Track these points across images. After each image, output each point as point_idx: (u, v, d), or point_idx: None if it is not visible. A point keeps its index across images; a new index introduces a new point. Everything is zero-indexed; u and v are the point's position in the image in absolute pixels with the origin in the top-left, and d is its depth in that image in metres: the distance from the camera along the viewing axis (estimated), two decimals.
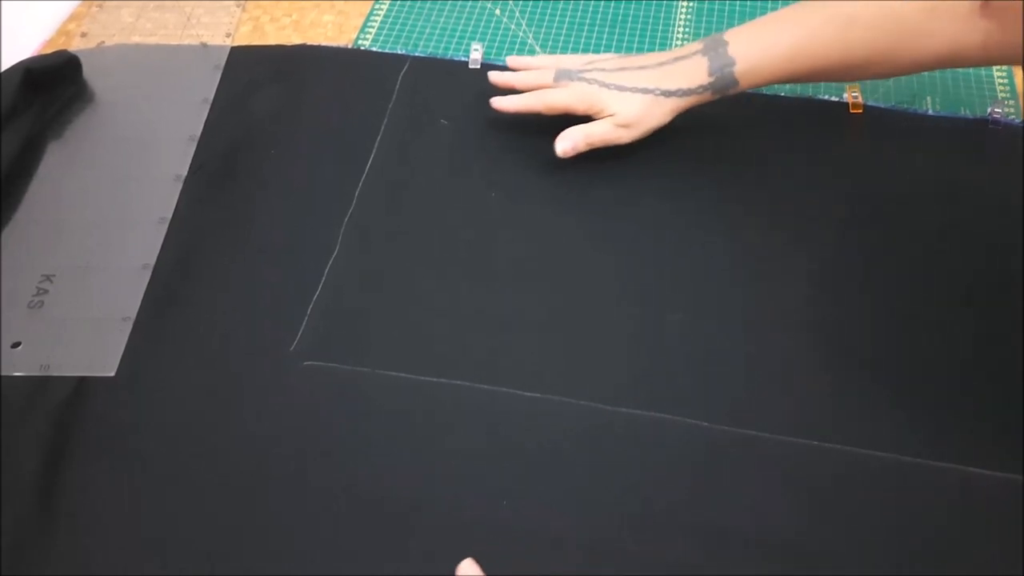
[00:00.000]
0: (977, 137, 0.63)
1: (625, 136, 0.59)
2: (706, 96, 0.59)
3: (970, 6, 0.52)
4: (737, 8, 0.74)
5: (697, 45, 0.59)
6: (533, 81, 0.63)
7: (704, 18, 0.73)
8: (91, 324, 0.55)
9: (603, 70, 0.60)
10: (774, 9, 0.73)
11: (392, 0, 0.76)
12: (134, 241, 0.59)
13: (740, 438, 0.49)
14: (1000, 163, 0.61)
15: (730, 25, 0.71)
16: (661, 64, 0.59)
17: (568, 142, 0.59)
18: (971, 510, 0.46)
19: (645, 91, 0.58)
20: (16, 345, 0.54)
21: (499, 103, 0.63)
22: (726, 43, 0.58)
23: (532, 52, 0.71)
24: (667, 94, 0.58)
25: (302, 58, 0.71)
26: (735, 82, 0.58)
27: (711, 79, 0.57)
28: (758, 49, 0.57)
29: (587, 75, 0.60)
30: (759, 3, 0.74)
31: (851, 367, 0.52)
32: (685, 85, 0.58)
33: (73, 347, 0.54)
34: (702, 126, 0.64)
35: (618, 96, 0.59)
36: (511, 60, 0.66)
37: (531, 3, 0.76)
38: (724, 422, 0.49)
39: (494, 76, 0.64)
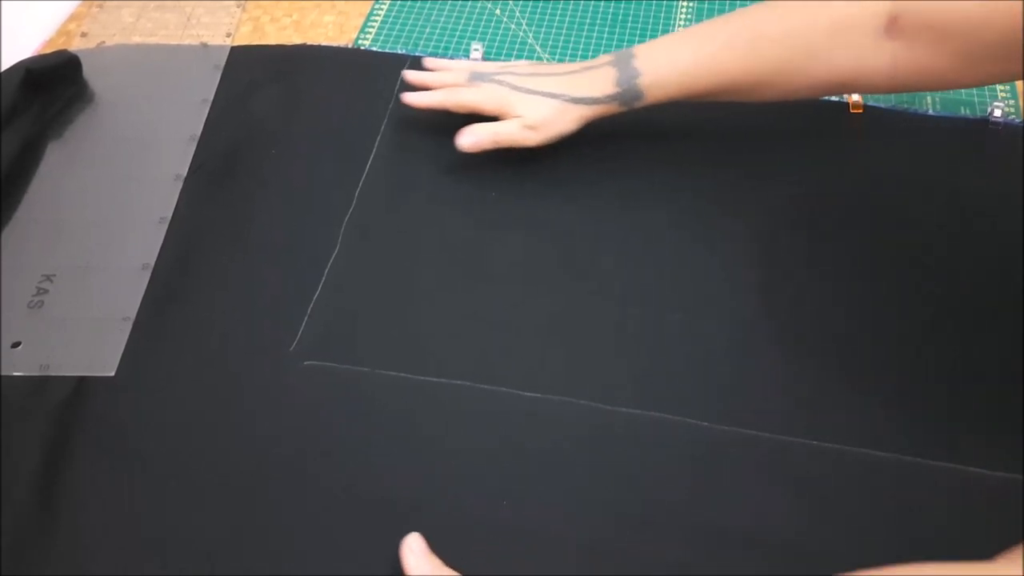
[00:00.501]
0: (977, 137, 0.63)
1: (532, 138, 0.60)
2: (613, 107, 0.59)
3: (877, 28, 0.53)
4: (737, 8, 0.74)
5: (609, 57, 0.60)
6: (448, 81, 0.63)
7: (704, 18, 0.73)
8: (91, 324, 0.55)
9: (515, 74, 0.61)
10: None
11: (392, 0, 0.77)
12: (134, 241, 0.59)
13: (740, 438, 0.49)
14: (1000, 163, 0.61)
15: None
16: (571, 72, 0.60)
17: (472, 137, 0.60)
18: (971, 510, 0.46)
19: (553, 96, 0.59)
20: (16, 345, 0.54)
21: (409, 98, 0.63)
22: (635, 56, 0.58)
23: (532, 52, 0.71)
24: (574, 101, 0.59)
25: (302, 58, 0.71)
26: (641, 94, 0.58)
27: (617, 90, 0.58)
28: (665, 63, 0.58)
29: (499, 78, 0.61)
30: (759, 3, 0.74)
31: (851, 367, 0.52)
32: (592, 94, 0.59)
33: (73, 347, 0.54)
34: (702, 126, 0.64)
35: (527, 99, 0.60)
36: (427, 61, 0.67)
37: (531, 3, 0.76)
38: (724, 422, 0.49)
39: (409, 75, 0.65)
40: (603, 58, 0.60)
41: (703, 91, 0.58)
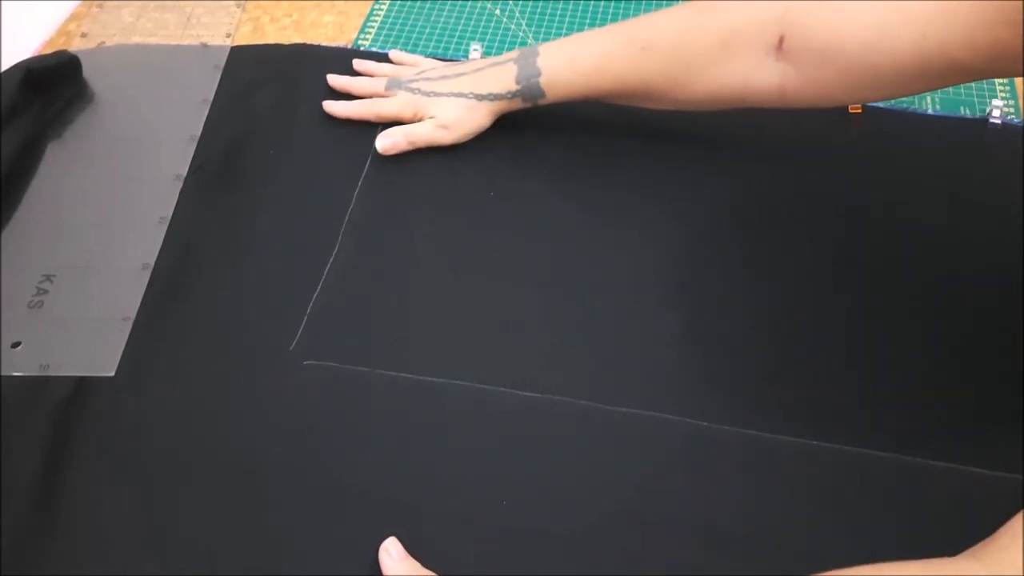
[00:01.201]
0: (977, 137, 0.63)
1: (446, 137, 0.62)
2: (516, 103, 0.61)
3: (766, 46, 0.53)
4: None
5: (515, 53, 0.61)
6: (367, 88, 0.66)
7: None
8: (91, 324, 0.55)
9: (428, 79, 0.64)
10: None
11: (392, 0, 0.77)
12: (134, 241, 0.59)
13: (739, 438, 0.49)
14: (1000, 163, 0.61)
15: None
16: (478, 70, 0.62)
17: (389, 140, 0.62)
18: (971, 510, 0.46)
19: (460, 95, 0.62)
20: (16, 345, 0.54)
21: (331, 108, 0.66)
22: (538, 54, 0.60)
23: None
24: (479, 98, 0.61)
25: (302, 58, 0.71)
26: (542, 92, 0.60)
27: (518, 87, 0.60)
28: (563, 63, 0.59)
29: (412, 84, 0.64)
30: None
31: (850, 367, 0.52)
32: (495, 90, 0.61)
33: (73, 347, 0.54)
34: (701, 126, 0.64)
35: (437, 102, 0.62)
36: (357, 64, 0.69)
37: (531, 3, 0.76)
38: (724, 422, 0.49)
39: (333, 80, 0.67)
40: (510, 54, 0.62)
41: (602, 93, 0.60)
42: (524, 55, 0.60)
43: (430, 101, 0.62)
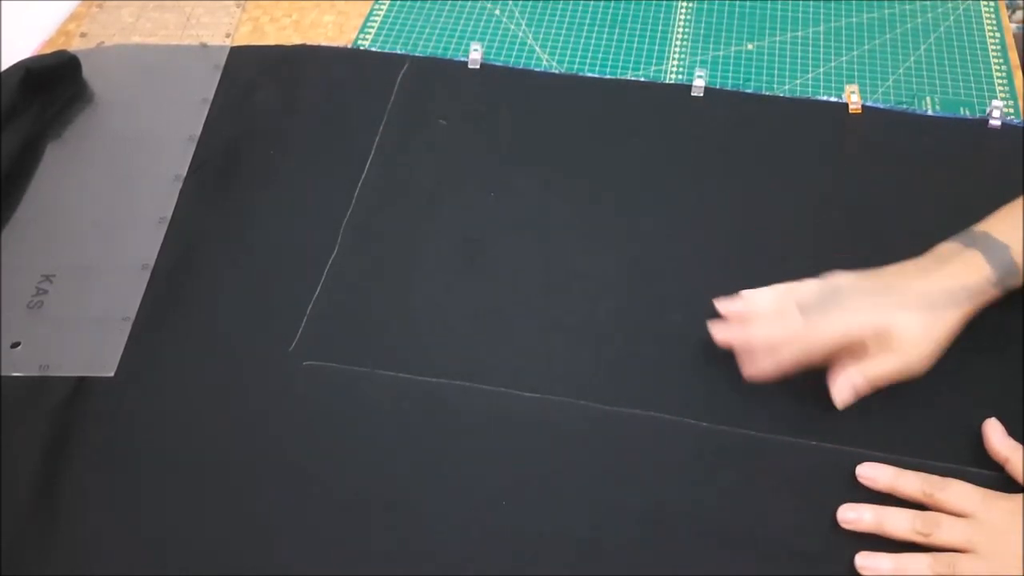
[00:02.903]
0: (976, 137, 0.63)
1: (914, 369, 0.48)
2: (992, 293, 0.49)
3: None
4: (736, 8, 0.74)
5: (953, 244, 0.50)
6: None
7: (704, 18, 0.73)
8: (91, 324, 0.55)
9: (862, 292, 0.49)
10: (775, 10, 0.74)
11: (392, 0, 0.77)
12: (134, 241, 0.59)
13: (740, 438, 0.49)
14: (1000, 163, 0.61)
15: (729, 26, 0.72)
16: (925, 271, 0.49)
17: (850, 394, 0.48)
18: None
19: (918, 309, 0.48)
20: (16, 345, 0.54)
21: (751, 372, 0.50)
22: (987, 233, 0.50)
23: (532, 52, 0.71)
24: (946, 305, 0.48)
25: (302, 58, 0.71)
26: (1016, 269, 0.49)
27: (995, 273, 0.48)
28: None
29: (839, 305, 0.48)
30: (759, 4, 0.74)
31: None
32: (967, 283, 0.48)
33: (73, 347, 0.54)
34: (702, 127, 0.64)
35: (893, 326, 0.47)
36: (721, 305, 0.52)
37: (531, 3, 0.76)
38: (724, 422, 0.49)
39: (721, 306, 0.52)
40: (945, 246, 0.51)
41: None
42: (967, 241, 0.50)
43: (885, 326, 0.47)
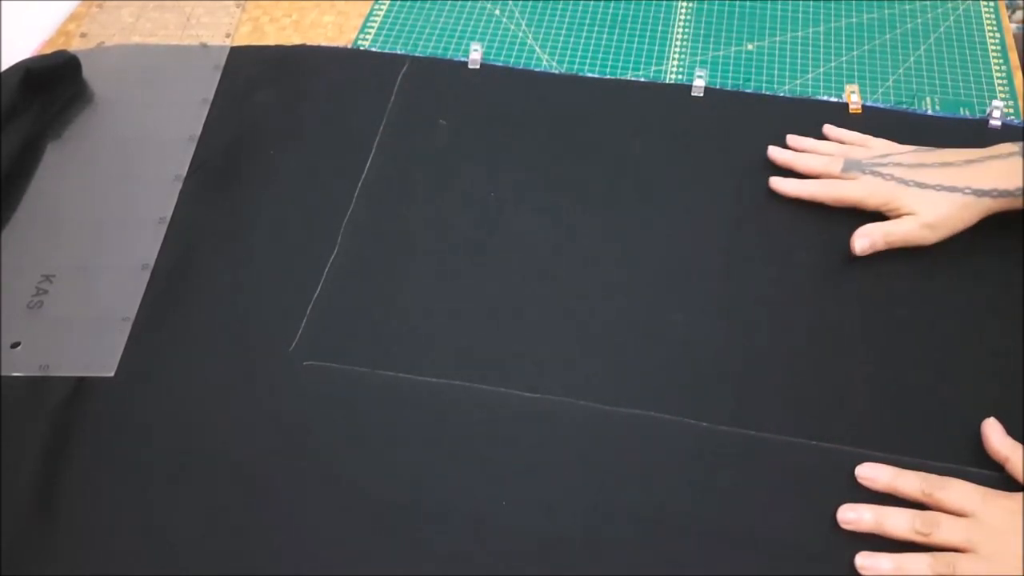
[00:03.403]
0: (977, 137, 0.63)
1: (929, 237, 0.55)
2: (1019, 201, 0.53)
3: None
4: (736, 8, 0.74)
5: (1010, 146, 0.54)
6: (819, 167, 0.59)
7: (704, 18, 0.74)
8: (91, 324, 0.55)
9: (901, 165, 0.56)
10: (775, 10, 0.74)
11: (392, 0, 0.77)
12: (134, 241, 0.59)
13: (740, 438, 0.49)
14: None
15: (729, 27, 0.72)
16: (969, 161, 0.55)
17: (867, 240, 0.55)
18: None
19: (952, 189, 0.54)
20: (16, 345, 0.54)
21: (780, 186, 0.59)
22: None
23: (532, 52, 0.71)
24: (979, 194, 0.53)
25: (302, 58, 0.71)
26: None
27: None
28: None
29: (881, 169, 0.56)
30: (759, 4, 0.74)
31: (851, 367, 0.52)
32: (1002, 186, 0.53)
33: (72, 347, 0.54)
34: (702, 127, 0.64)
35: (919, 194, 0.54)
36: (792, 140, 0.62)
37: (531, 3, 0.76)
38: (724, 422, 0.49)
39: (775, 154, 0.61)
40: (1003, 147, 0.55)
41: None
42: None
43: (908, 192, 0.55)
